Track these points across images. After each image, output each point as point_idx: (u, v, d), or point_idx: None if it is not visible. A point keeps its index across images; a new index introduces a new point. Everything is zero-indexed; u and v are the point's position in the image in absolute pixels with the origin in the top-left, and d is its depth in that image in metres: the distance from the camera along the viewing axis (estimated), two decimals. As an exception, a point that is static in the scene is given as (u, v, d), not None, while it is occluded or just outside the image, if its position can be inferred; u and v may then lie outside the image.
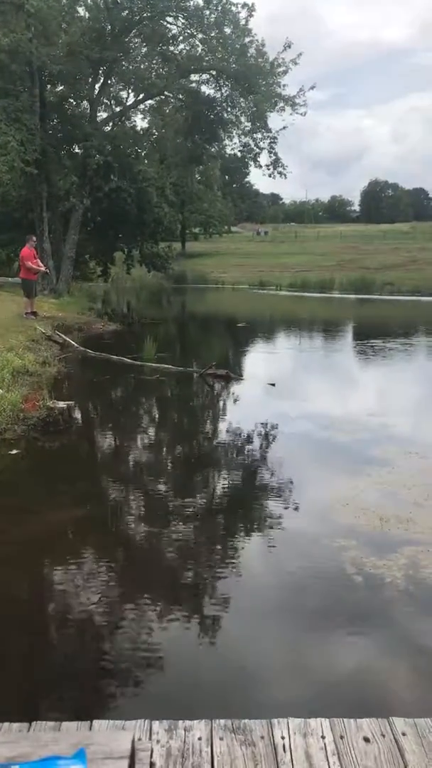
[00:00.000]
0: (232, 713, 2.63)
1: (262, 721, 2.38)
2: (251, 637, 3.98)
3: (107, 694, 3.41)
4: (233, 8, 22.49)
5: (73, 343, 14.55)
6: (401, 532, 5.33)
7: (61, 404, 8.48)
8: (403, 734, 2.33)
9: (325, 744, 2.29)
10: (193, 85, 25.49)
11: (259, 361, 15.90)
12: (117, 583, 4.63)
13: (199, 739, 2.28)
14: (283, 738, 2.30)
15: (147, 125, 30.96)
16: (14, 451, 7.31)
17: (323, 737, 2.31)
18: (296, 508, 6.04)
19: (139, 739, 2.27)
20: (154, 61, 25.28)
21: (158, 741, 2.27)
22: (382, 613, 4.22)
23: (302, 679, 3.55)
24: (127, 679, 3.53)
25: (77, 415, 8.68)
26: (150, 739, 2.27)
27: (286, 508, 6.03)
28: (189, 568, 4.91)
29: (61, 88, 25.29)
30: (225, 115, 24.88)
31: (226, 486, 6.95)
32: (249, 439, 8.67)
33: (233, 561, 4.97)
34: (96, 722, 2.35)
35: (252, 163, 25.58)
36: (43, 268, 18.38)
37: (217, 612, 4.19)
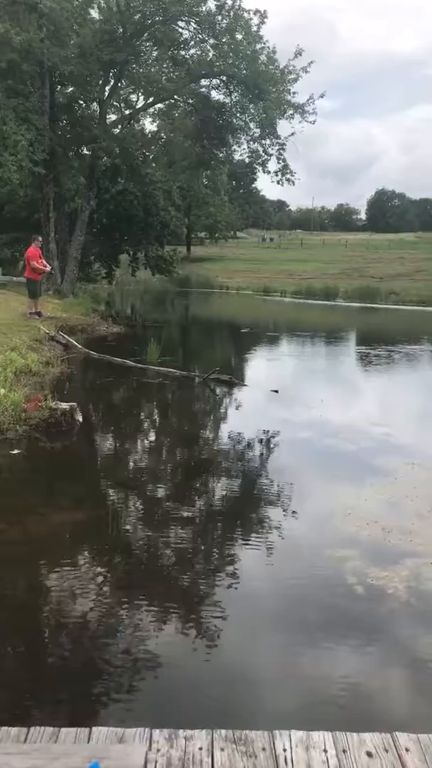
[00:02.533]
0: (231, 722, 2.60)
1: (263, 733, 2.35)
2: (250, 646, 3.95)
3: (106, 700, 3.37)
4: (245, 15, 22.49)
5: (77, 344, 14.53)
6: (404, 544, 5.29)
7: (64, 405, 8.42)
8: (407, 750, 2.30)
9: (327, 758, 2.26)
10: (203, 90, 25.46)
11: (263, 367, 15.88)
12: (116, 588, 4.60)
13: (200, 749, 2.26)
14: (284, 750, 2.27)
15: (156, 129, 31.08)
16: (16, 451, 7.29)
17: (325, 751, 2.28)
18: (298, 517, 6.01)
19: (139, 748, 2.24)
20: (165, 65, 25.30)
21: (158, 750, 2.24)
22: (383, 625, 4.19)
23: (302, 690, 3.52)
24: (126, 684, 3.50)
25: (80, 416, 8.64)
26: (150, 748, 2.24)
27: (287, 516, 6.00)
28: (188, 575, 4.88)
29: (71, 89, 25.33)
30: (234, 120, 24.83)
31: (227, 492, 6.91)
32: (251, 446, 8.64)
33: (233, 569, 4.93)
34: (95, 729, 2.32)
35: (260, 169, 25.58)
36: (48, 268, 18.36)
37: (217, 620, 4.16)
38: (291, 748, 2.29)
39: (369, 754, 2.27)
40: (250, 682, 3.57)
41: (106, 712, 3.23)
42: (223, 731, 2.34)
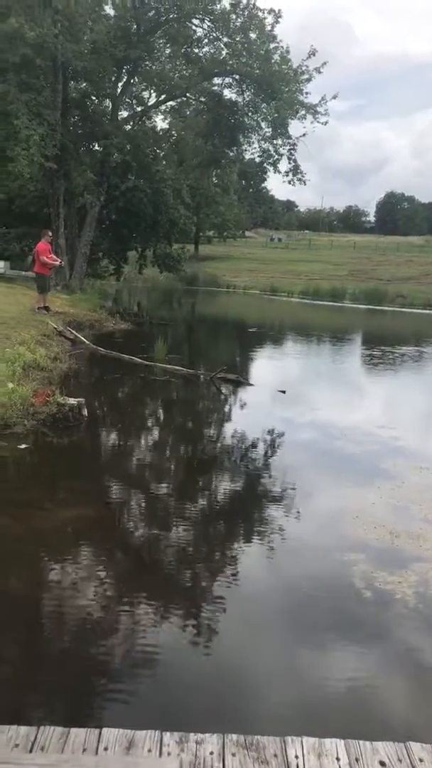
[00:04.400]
0: (241, 726, 2.57)
1: (275, 739, 2.32)
2: (258, 650, 3.92)
3: (113, 700, 3.34)
4: (260, 14, 22.47)
5: (85, 340, 14.51)
6: (412, 548, 5.26)
7: (72, 401, 8.40)
8: (420, 760, 2.27)
9: (339, 766, 2.23)
10: (216, 88, 25.46)
11: (270, 366, 15.84)
12: (122, 586, 4.57)
13: (211, 753, 2.23)
14: (296, 757, 2.25)
15: (167, 126, 31.00)
16: (23, 446, 7.27)
17: (338, 759, 2.26)
18: (305, 519, 5.97)
19: (149, 751, 2.22)
20: (178, 63, 25.29)
21: (169, 753, 2.21)
22: (392, 630, 4.15)
23: (312, 695, 3.48)
24: (134, 684, 3.47)
25: (87, 412, 8.61)
26: (161, 751, 2.22)
27: (294, 518, 5.97)
28: (195, 577, 4.84)
29: (84, 84, 25.28)
30: (246, 119, 24.82)
31: (233, 493, 6.87)
32: (258, 447, 8.60)
33: (240, 571, 4.90)
34: (105, 730, 2.30)
35: (271, 168, 25.52)
36: (58, 261, 18.35)
37: (224, 622, 4.13)
38: (303, 755, 2.26)
39: (382, 764, 2.24)
40: (259, 686, 3.54)
41: (114, 713, 3.20)
42: (235, 736, 2.31)
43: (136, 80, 26.13)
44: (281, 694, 3.49)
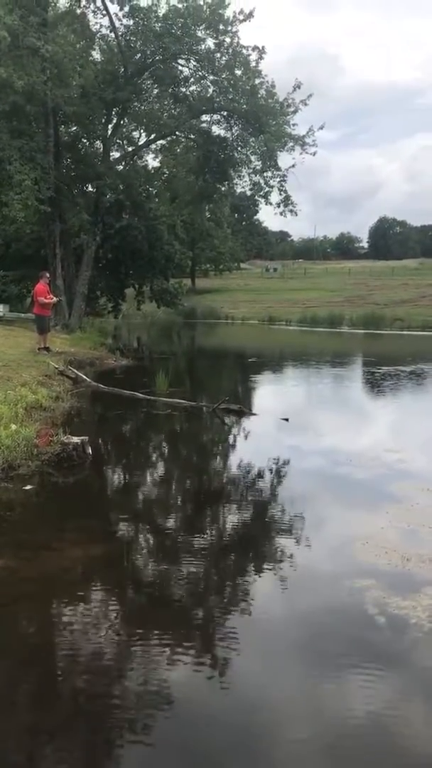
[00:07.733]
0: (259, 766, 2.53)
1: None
2: (271, 683, 3.85)
3: (132, 743, 3.28)
4: (244, 51, 23.00)
5: (86, 378, 14.56)
6: (424, 572, 5.20)
7: (75, 439, 8.40)
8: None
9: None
10: (204, 125, 25.94)
11: (271, 395, 15.84)
12: (132, 625, 4.51)
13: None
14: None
15: (158, 164, 31.49)
16: (28, 487, 7.25)
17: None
18: (315, 547, 5.92)
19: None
20: (166, 102, 25.81)
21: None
22: (408, 656, 4.09)
23: (328, 728, 3.42)
24: (145, 727, 3.40)
25: (91, 450, 8.60)
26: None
27: (303, 546, 5.92)
28: (204, 610, 4.79)
29: (74, 128, 25.81)
30: (235, 154, 25.22)
31: (240, 524, 6.82)
32: (263, 476, 8.56)
33: (250, 603, 4.84)
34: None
35: (263, 201, 25.82)
36: (56, 299, 18.43)
37: (235, 657, 4.06)
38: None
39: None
40: (274, 722, 3.48)
41: (131, 757, 3.13)
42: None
43: (126, 121, 26.64)
44: (301, 729, 3.42)
